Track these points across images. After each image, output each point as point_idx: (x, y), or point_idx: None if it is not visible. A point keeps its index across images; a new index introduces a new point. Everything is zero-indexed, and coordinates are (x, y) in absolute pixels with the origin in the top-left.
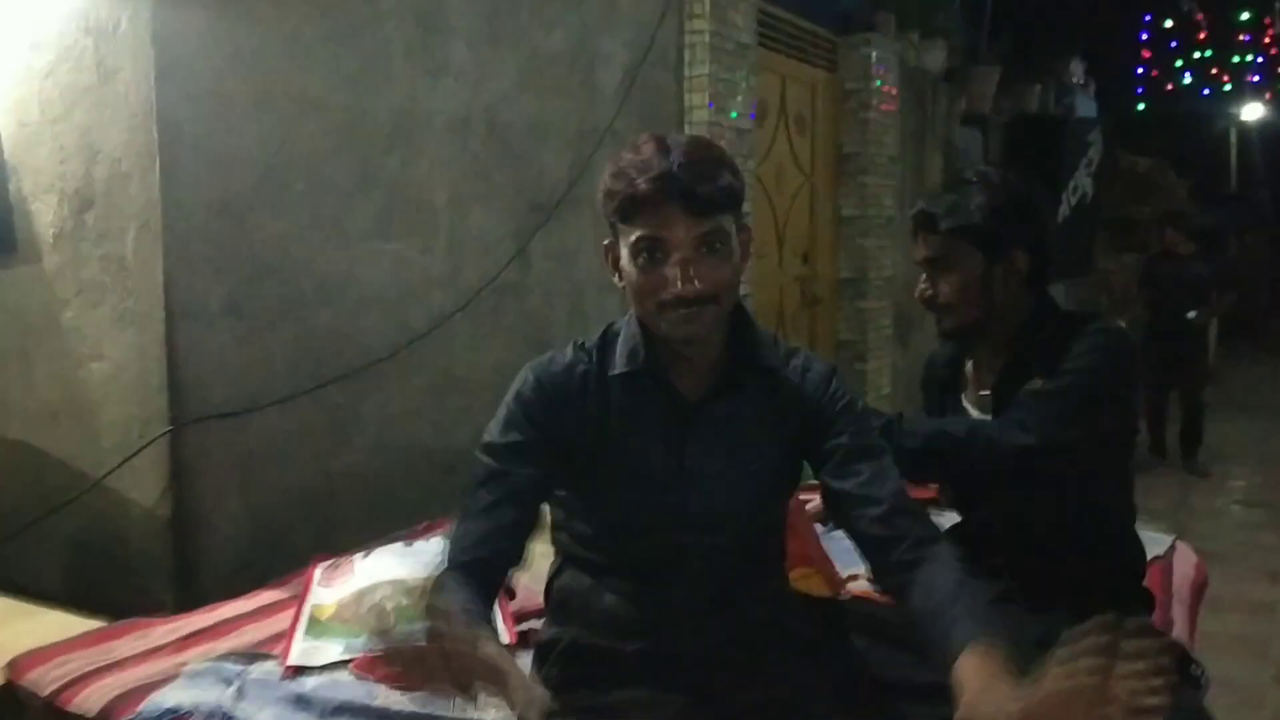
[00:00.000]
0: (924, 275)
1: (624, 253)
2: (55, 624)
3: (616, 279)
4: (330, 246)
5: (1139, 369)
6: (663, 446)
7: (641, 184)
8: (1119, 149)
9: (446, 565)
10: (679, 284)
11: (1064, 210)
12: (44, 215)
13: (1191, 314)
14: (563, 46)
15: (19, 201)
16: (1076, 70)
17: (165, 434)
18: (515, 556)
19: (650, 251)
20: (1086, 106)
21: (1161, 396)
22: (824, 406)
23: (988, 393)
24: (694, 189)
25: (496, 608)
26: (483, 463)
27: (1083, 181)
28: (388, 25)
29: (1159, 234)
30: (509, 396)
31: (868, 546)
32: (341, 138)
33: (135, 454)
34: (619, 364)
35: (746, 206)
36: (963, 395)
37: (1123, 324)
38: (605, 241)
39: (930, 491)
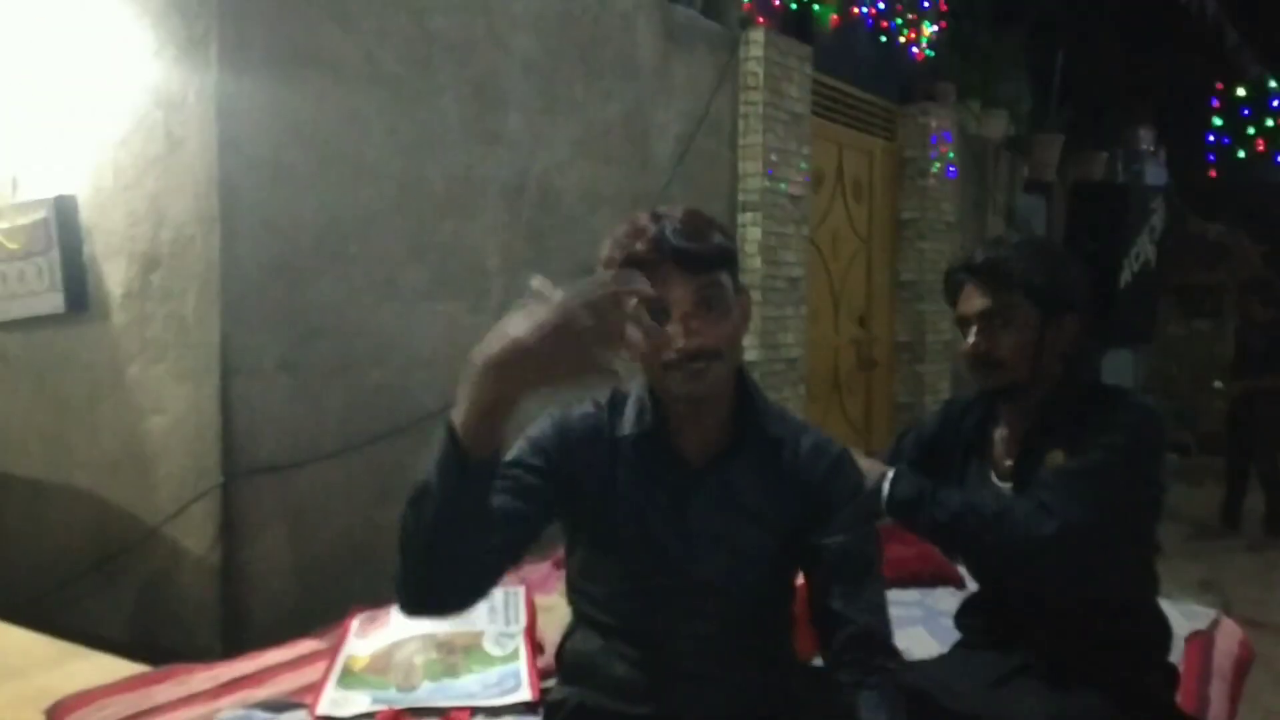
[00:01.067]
0: (974, 329)
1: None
2: (104, 667)
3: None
4: (383, 307)
5: (1165, 445)
6: (667, 510)
7: (638, 247)
8: (1188, 215)
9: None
10: (681, 340)
11: (1126, 277)
12: (114, 275)
13: (1218, 384)
14: (617, 116)
15: (92, 262)
16: (1146, 138)
17: (218, 486)
18: (505, 548)
19: (651, 314)
20: (1156, 174)
21: (1243, 465)
22: (829, 495)
23: (1011, 462)
24: (687, 248)
25: (524, 664)
26: None
27: (1145, 248)
28: (445, 97)
29: (1242, 301)
30: (526, 432)
31: (824, 652)
32: (397, 203)
33: (189, 505)
34: (627, 426)
35: (800, 271)
36: (989, 465)
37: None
38: None
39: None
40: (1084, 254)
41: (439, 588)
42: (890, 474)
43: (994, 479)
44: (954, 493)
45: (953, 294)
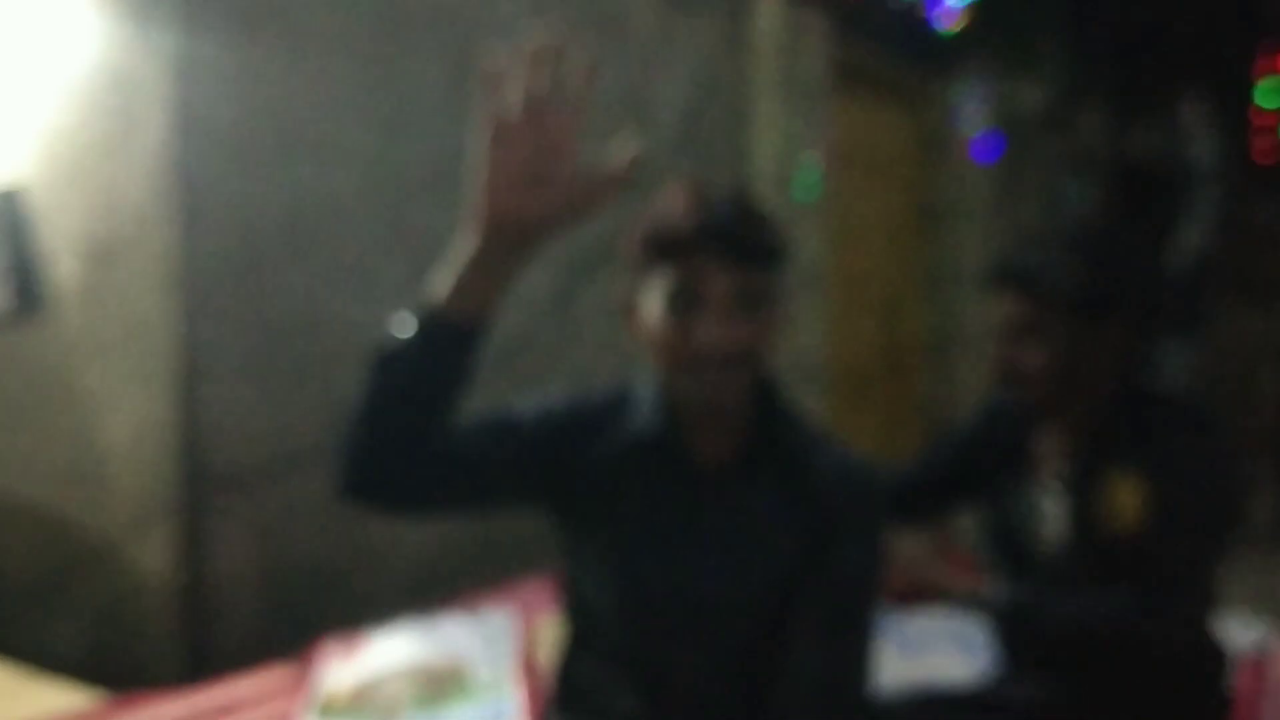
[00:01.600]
0: (1007, 342)
1: (650, 300)
2: (59, 696)
3: (633, 333)
4: (359, 300)
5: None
6: (675, 522)
7: (682, 225)
8: (1243, 198)
9: None
10: (710, 339)
11: (1178, 262)
12: (64, 270)
13: None
14: (612, 90)
15: (42, 258)
16: (1197, 112)
17: (180, 499)
18: (472, 467)
19: (683, 299)
20: (1202, 155)
21: None
22: (841, 525)
23: (1064, 471)
24: (737, 236)
25: (513, 695)
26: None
27: (1196, 233)
28: (421, 70)
29: None
30: (540, 400)
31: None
32: (372, 187)
33: (149, 520)
34: (635, 427)
35: (818, 258)
36: (1031, 475)
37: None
38: (622, 293)
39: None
40: (1129, 239)
41: (388, 466)
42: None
43: (1038, 490)
44: (1057, 601)
45: (994, 294)
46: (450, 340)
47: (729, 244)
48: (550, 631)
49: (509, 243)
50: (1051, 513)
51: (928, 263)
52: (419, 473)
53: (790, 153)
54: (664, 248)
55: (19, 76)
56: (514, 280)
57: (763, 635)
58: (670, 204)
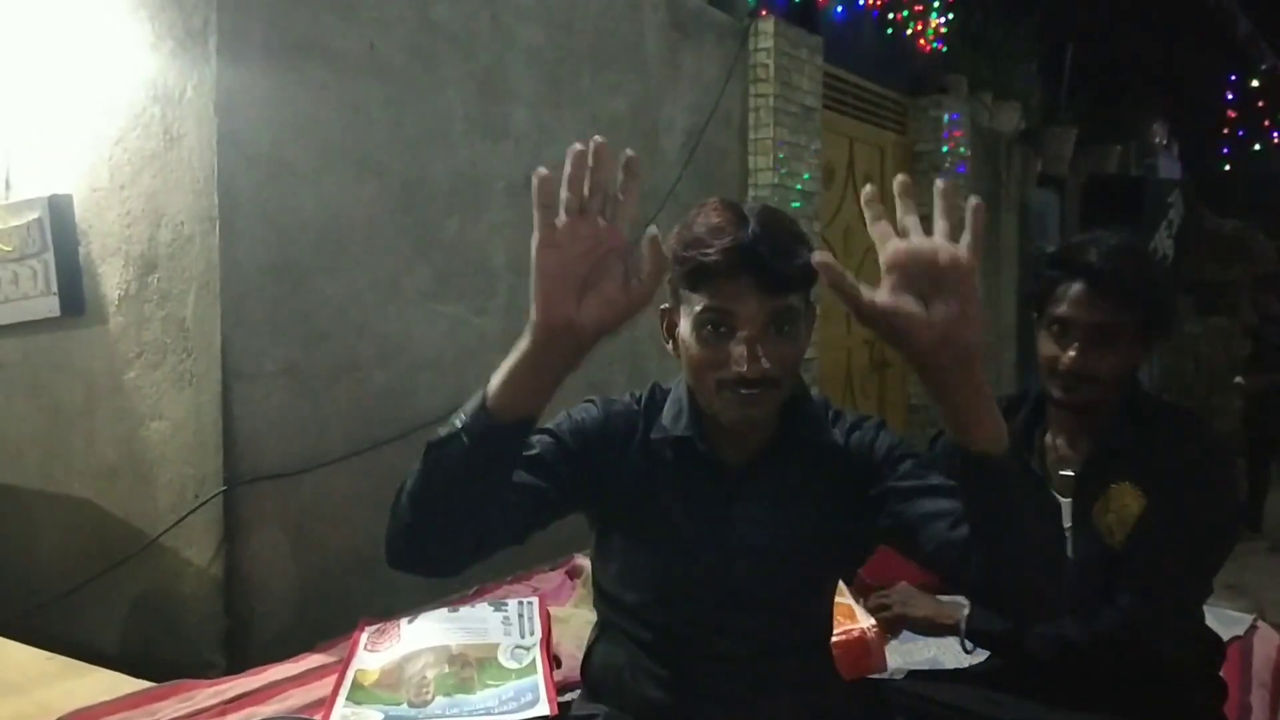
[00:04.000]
0: (1074, 342)
1: (685, 323)
2: (105, 683)
3: (670, 346)
4: (387, 308)
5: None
6: (705, 516)
7: (715, 254)
8: (1204, 210)
9: None
10: (744, 364)
11: None
12: (110, 278)
13: (1238, 379)
14: (624, 111)
15: (88, 264)
16: (1159, 130)
17: (219, 494)
18: (515, 518)
19: (715, 325)
20: (1170, 167)
21: (1264, 464)
22: (872, 456)
23: (1070, 474)
24: (771, 264)
25: (541, 678)
26: None
27: (1164, 244)
28: (449, 91)
29: (1252, 298)
30: (569, 410)
31: (948, 557)
32: (400, 201)
33: (189, 514)
34: (664, 427)
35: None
36: (1037, 465)
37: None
38: (663, 306)
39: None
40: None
41: (434, 544)
42: (965, 613)
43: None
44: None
45: (1046, 290)
46: (501, 436)
47: (761, 274)
48: (565, 620)
49: (562, 345)
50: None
51: None
52: (472, 537)
53: (786, 169)
54: (700, 275)
55: (70, 91)
56: (563, 379)
57: (792, 622)
58: (703, 226)
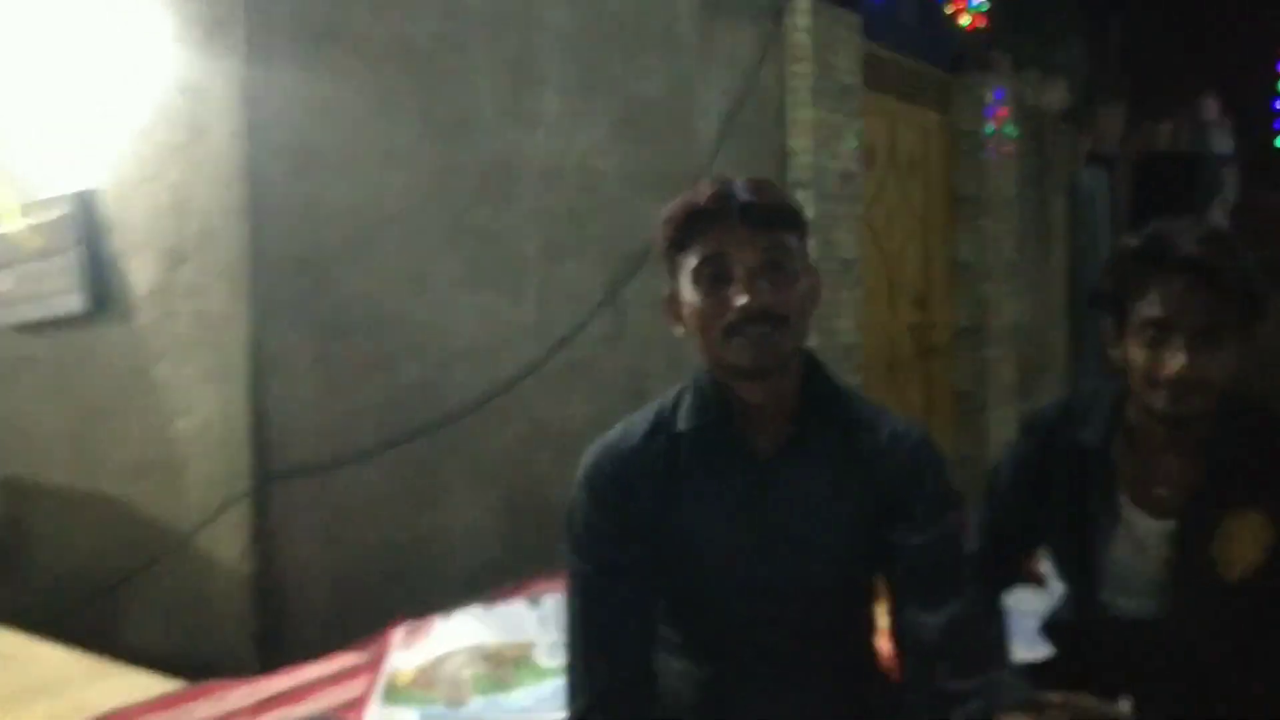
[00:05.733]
0: (1180, 346)
1: (685, 285)
2: (139, 684)
3: (679, 330)
4: (418, 299)
5: None
6: (736, 507)
7: (701, 201)
8: (1258, 186)
9: (585, 706)
10: (744, 296)
11: None
12: (138, 272)
13: None
14: (658, 93)
15: (115, 259)
16: (1211, 106)
17: (250, 490)
18: (650, 670)
19: (713, 274)
20: (1222, 142)
21: None
22: (908, 489)
23: (1164, 492)
24: (755, 201)
25: None
26: (577, 568)
27: (1218, 221)
28: (478, 77)
29: None
30: (579, 483)
31: (903, 667)
32: (431, 190)
33: (220, 511)
34: (687, 419)
35: (854, 252)
36: (1121, 495)
37: None
38: (664, 294)
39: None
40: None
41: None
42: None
43: (1137, 512)
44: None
45: (1126, 280)
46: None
47: (747, 211)
48: None
49: None
50: (1153, 547)
51: (957, 253)
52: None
53: (826, 151)
54: (688, 226)
55: (95, 84)
56: None
57: (832, 613)
58: (689, 193)
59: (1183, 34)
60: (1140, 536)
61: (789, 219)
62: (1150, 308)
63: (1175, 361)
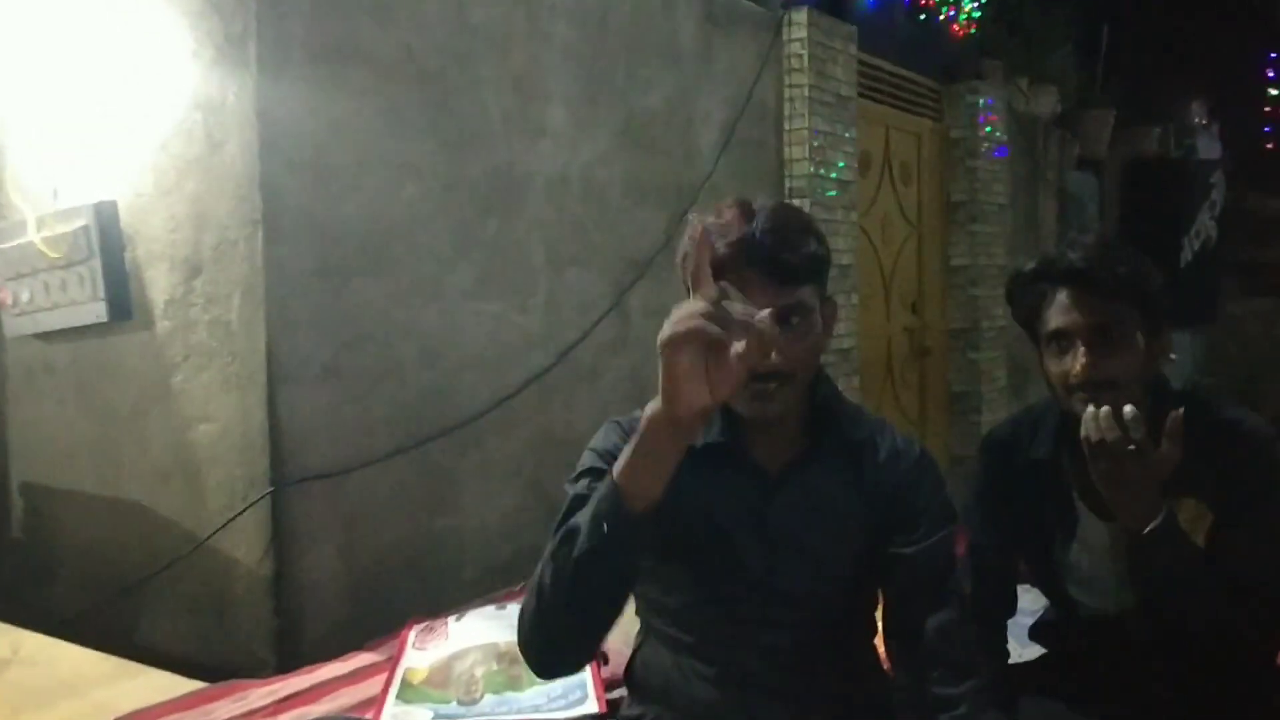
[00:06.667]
0: (1080, 347)
1: None
2: (160, 684)
3: None
4: (429, 308)
5: None
6: (745, 519)
7: (721, 247)
8: (1247, 190)
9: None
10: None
11: (1186, 255)
12: (157, 282)
13: None
14: (660, 105)
15: (134, 269)
16: (1199, 110)
17: (267, 494)
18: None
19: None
20: (1210, 147)
21: None
22: (910, 502)
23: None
24: (776, 256)
25: (589, 675)
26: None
27: (1206, 225)
28: (485, 91)
29: None
30: (592, 444)
31: (897, 671)
32: (440, 202)
33: (238, 515)
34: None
35: (850, 258)
36: (1076, 501)
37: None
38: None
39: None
40: (1141, 233)
41: (583, 642)
42: None
43: (1090, 516)
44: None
45: (1029, 303)
46: (636, 523)
47: (767, 267)
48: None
49: (694, 428)
50: (1107, 547)
51: (950, 257)
52: (603, 630)
53: (822, 159)
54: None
55: (113, 99)
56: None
57: (836, 618)
58: (715, 224)
59: (1171, 39)
60: (1095, 538)
61: (810, 271)
62: (1049, 322)
63: (1077, 364)
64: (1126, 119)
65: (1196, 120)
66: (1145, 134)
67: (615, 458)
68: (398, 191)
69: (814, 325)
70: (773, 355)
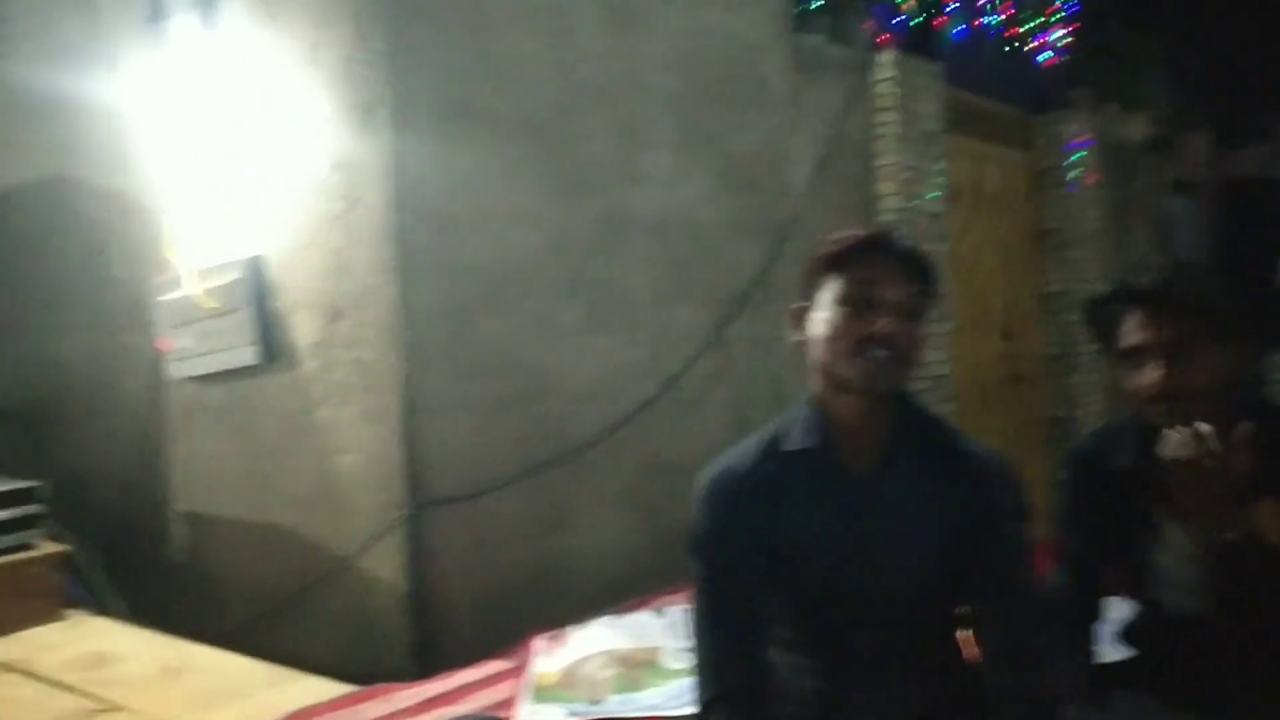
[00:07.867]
0: (1155, 361)
1: (827, 300)
2: (315, 688)
3: (797, 341)
4: (545, 343)
5: None
6: (841, 520)
7: (859, 235)
8: None
9: (712, 696)
10: (883, 328)
11: None
12: (302, 327)
13: None
14: (753, 147)
15: (281, 316)
16: None
17: (405, 518)
18: (763, 659)
19: (857, 300)
20: None
21: None
22: (989, 509)
23: None
24: (911, 249)
25: None
26: (698, 572)
27: None
28: (591, 142)
29: None
30: (698, 498)
31: (991, 660)
32: (552, 245)
33: (379, 536)
34: (794, 441)
35: (942, 285)
36: (1158, 507)
37: None
38: (793, 306)
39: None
40: (1239, 254)
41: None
42: None
43: (1173, 520)
44: None
45: (1105, 326)
46: None
47: (901, 258)
48: None
49: None
50: (1180, 543)
51: (1043, 285)
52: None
53: (913, 193)
54: (844, 257)
55: (262, 162)
56: None
57: (926, 612)
58: (845, 232)
59: (1267, 59)
60: (1176, 542)
61: (931, 279)
62: (1124, 338)
63: (1152, 377)
64: (1226, 141)
65: None
66: (1245, 155)
67: (723, 512)
68: (514, 237)
69: (924, 325)
70: (892, 329)
